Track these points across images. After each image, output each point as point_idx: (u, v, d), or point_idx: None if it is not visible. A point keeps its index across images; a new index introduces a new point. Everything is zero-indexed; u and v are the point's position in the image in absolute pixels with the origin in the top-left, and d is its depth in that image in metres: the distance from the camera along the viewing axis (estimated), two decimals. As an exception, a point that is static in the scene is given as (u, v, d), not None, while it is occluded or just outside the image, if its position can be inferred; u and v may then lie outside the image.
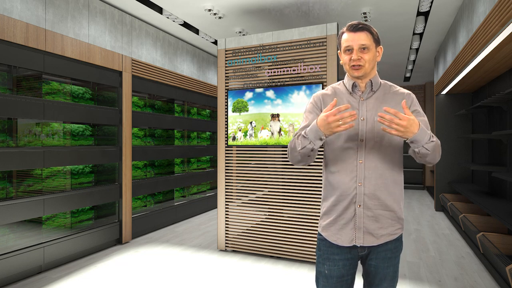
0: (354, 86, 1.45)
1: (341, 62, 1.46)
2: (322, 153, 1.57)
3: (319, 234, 1.50)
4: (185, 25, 4.76)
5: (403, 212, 1.46)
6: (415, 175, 9.06)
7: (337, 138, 1.42)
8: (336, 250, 1.43)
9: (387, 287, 1.44)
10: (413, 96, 1.47)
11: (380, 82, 1.47)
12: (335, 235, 1.43)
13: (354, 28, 1.37)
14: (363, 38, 1.36)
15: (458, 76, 4.39)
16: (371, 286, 1.47)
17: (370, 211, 1.38)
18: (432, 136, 1.31)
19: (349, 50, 1.38)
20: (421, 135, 1.25)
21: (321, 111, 1.47)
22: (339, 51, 1.46)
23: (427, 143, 1.27)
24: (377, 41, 1.40)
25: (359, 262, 1.53)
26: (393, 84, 1.50)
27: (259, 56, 3.74)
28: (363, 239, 1.39)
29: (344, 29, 1.41)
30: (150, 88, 4.75)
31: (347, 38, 1.38)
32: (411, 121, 1.21)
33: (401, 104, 1.34)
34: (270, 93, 3.65)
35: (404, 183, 9.21)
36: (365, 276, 1.50)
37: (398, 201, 1.42)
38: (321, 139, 1.31)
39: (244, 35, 5.08)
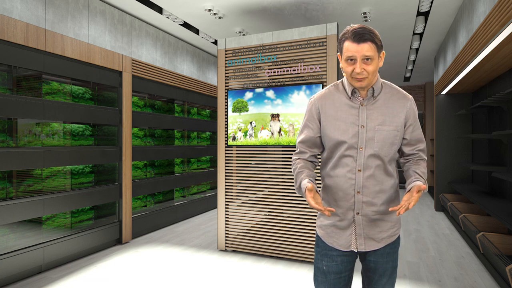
0: (354, 92, 1.40)
1: (341, 66, 1.39)
2: (320, 154, 1.56)
3: (317, 231, 1.52)
4: (185, 25, 4.76)
5: None
6: (415, 175, 9.03)
7: (336, 146, 1.40)
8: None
9: (386, 282, 1.45)
10: (414, 105, 1.44)
11: (382, 86, 1.42)
12: (331, 237, 1.44)
13: (358, 39, 1.27)
14: (366, 49, 1.27)
15: (458, 76, 4.39)
16: (371, 282, 1.48)
17: (369, 217, 1.39)
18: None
19: (351, 60, 1.31)
20: None
21: (320, 120, 1.45)
22: (338, 53, 1.39)
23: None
24: (380, 49, 1.32)
25: (357, 259, 1.53)
26: (394, 86, 1.46)
27: (259, 56, 3.74)
28: (365, 244, 1.40)
29: (347, 35, 1.31)
30: (150, 88, 4.75)
31: (349, 48, 1.29)
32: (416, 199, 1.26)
33: (403, 113, 1.39)
34: (270, 93, 3.65)
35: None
36: (364, 272, 1.51)
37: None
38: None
39: (244, 35, 5.08)
